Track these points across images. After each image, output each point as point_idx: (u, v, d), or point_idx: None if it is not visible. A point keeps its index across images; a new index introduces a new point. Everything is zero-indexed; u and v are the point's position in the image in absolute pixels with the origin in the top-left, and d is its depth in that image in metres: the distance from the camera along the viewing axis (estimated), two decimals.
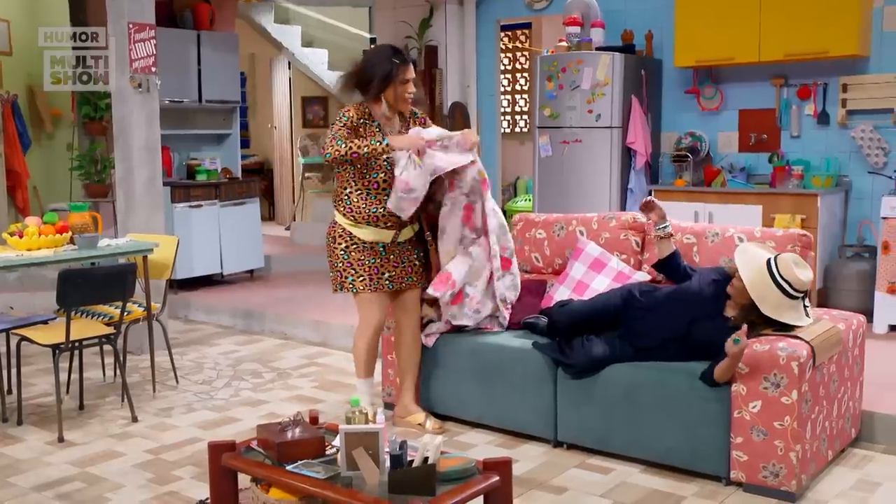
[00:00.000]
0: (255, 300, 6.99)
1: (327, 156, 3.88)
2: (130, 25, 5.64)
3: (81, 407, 4.70)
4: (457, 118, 7.70)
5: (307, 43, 10.88)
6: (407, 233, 4.14)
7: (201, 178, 7.62)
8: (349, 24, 10.91)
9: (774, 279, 3.44)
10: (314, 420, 3.17)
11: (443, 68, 7.75)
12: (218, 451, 3.04)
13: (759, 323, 3.53)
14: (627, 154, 6.45)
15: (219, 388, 5.05)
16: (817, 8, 5.77)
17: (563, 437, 3.96)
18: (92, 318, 4.76)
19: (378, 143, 3.87)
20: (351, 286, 4.02)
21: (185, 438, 4.23)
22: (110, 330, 4.53)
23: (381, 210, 3.98)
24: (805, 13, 5.81)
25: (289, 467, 2.85)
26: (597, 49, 6.57)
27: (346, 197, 4.00)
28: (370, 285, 4.02)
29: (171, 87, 6.98)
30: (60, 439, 4.20)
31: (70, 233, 4.78)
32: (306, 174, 11.16)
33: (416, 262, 4.22)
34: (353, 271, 4.01)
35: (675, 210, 5.89)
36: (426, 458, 2.69)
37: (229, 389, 5.03)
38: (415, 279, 4.20)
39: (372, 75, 3.97)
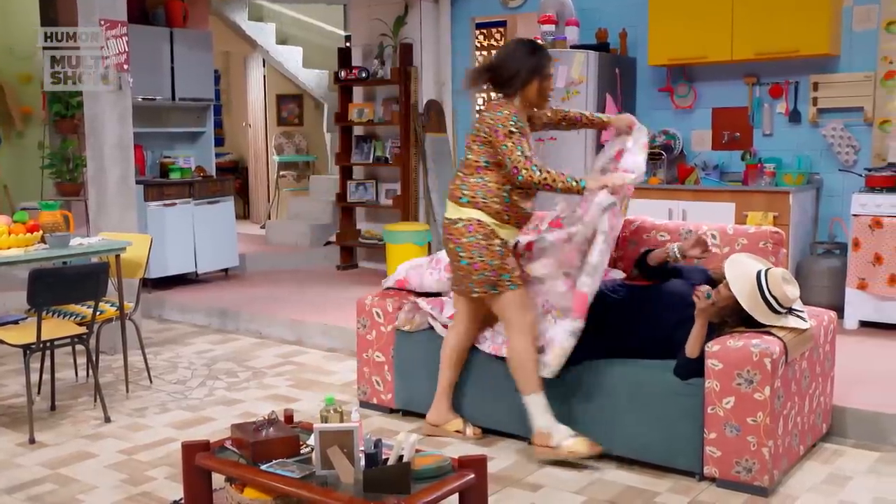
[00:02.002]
0: (229, 299, 6.95)
1: (520, 178, 3.62)
2: (102, 22, 5.58)
3: (53, 408, 4.65)
4: (432, 116, 7.70)
5: (281, 41, 10.83)
6: None
7: (175, 176, 7.56)
8: (324, 22, 10.87)
9: (763, 294, 3.48)
10: (289, 419, 3.17)
11: (418, 66, 7.74)
12: (192, 450, 3.03)
13: (735, 324, 3.56)
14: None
15: (193, 388, 5.02)
16: (788, 7, 5.82)
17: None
18: (64, 317, 4.71)
19: (574, 183, 3.65)
20: (509, 283, 3.72)
21: (158, 438, 4.20)
22: (82, 330, 4.48)
23: (529, 210, 3.84)
24: (776, 12, 5.86)
25: (263, 467, 2.84)
26: (571, 47, 6.59)
27: (504, 195, 3.71)
28: (521, 280, 3.78)
29: (144, 84, 6.91)
30: (31, 440, 4.15)
31: (41, 232, 4.73)
32: (281, 172, 11.11)
33: None
34: (509, 268, 3.74)
35: (649, 208, 5.93)
36: (401, 457, 2.70)
37: (204, 389, 5.00)
38: None
39: (516, 69, 3.74)
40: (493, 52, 3.94)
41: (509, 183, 3.71)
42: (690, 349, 3.51)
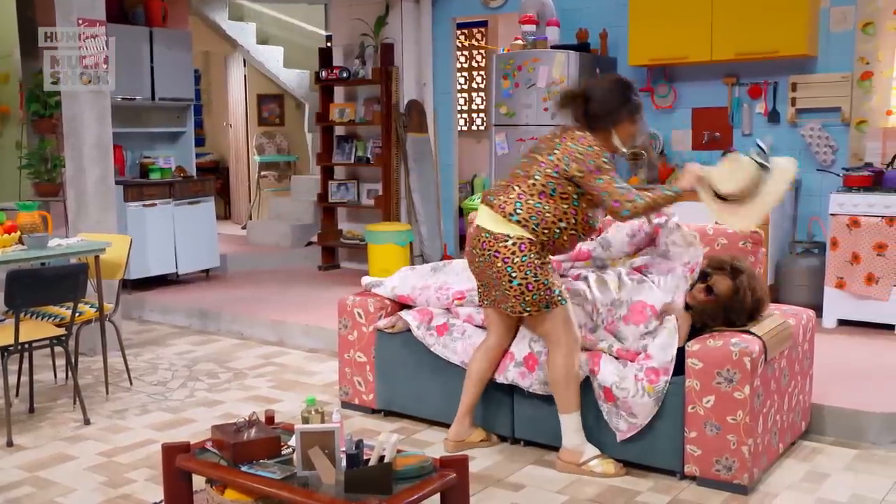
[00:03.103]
0: (210, 300, 6.92)
1: (625, 213, 3.51)
2: (80, 22, 5.54)
3: (31, 410, 4.61)
4: (413, 116, 7.70)
5: (262, 40, 10.80)
6: None
7: (155, 176, 7.52)
8: (304, 22, 10.85)
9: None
10: (270, 420, 3.16)
11: (399, 66, 7.74)
12: (172, 452, 3.02)
13: (718, 325, 3.59)
14: None
15: (174, 389, 4.99)
16: (767, 8, 5.87)
17: (520, 433, 3.98)
18: (42, 319, 4.68)
19: (671, 193, 3.62)
20: (560, 298, 3.60)
21: (138, 440, 4.17)
22: (61, 331, 4.45)
23: (570, 249, 3.78)
24: (755, 13, 5.91)
25: (244, 468, 2.83)
26: (552, 47, 6.61)
27: (557, 230, 3.57)
28: (565, 296, 3.68)
29: (123, 84, 6.87)
30: (9, 443, 4.11)
31: (19, 232, 4.69)
32: (262, 172, 11.07)
33: None
34: (556, 283, 3.63)
35: None
36: (382, 457, 2.69)
37: (185, 390, 4.97)
38: None
39: (614, 105, 3.63)
40: (587, 81, 3.81)
41: (564, 220, 3.58)
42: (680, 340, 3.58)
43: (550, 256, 3.70)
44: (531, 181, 3.59)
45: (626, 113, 3.65)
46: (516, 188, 3.62)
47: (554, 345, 3.66)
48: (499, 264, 3.57)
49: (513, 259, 3.54)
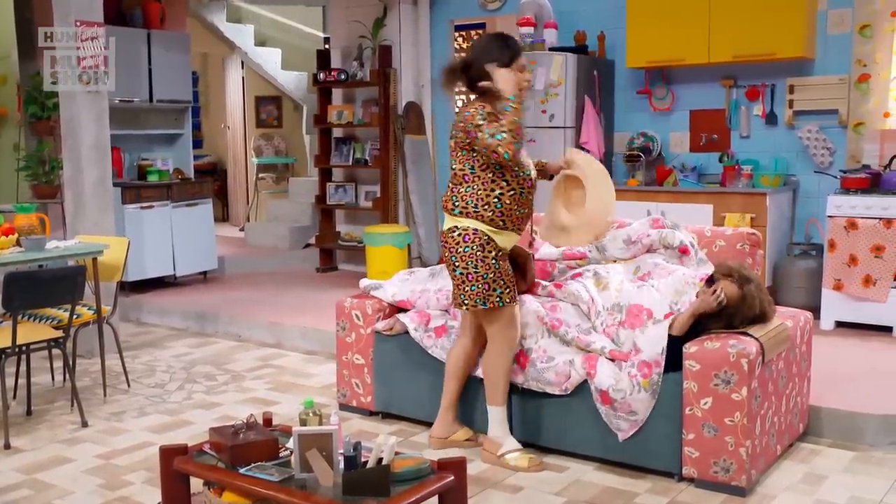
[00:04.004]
0: (208, 302, 6.91)
1: (506, 156, 3.47)
2: (78, 23, 5.54)
3: (29, 412, 4.60)
4: (411, 118, 7.70)
5: (260, 42, 10.80)
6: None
7: (153, 178, 7.52)
8: (302, 24, 10.86)
9: None
10: (268, 422, 3.15)
11: (397, 68, 7.74)
12: (170, 454, 3.01)
13: (717, 327, 3.59)
14: None
15: (171, 392, 4.99)
16: (764, 11, 5.88)
17: (518, 435, 3.97)
18: (40, 321, 4.66)
19: (510, 109, 3.53)
20: (499, 299, 3.62)
21: (136, 443, 4.17)
22: (59, 334, 4.44)
23: (527, 211, 3.71)
24: (752, 16, 5.91)
25: (242, 470, 2.82)
26: (550, 50, 6.62)
27: (495, 200, 3.58)
28: (514, 296, 3.70)
29: (121, 86, 6.86)
30: (7, 446, 4.11)
31: (16, 235, 4.68)
32: (260, 174, 11.07)
33: None
34: (503, 282, 3.62)
35: (628, 209, 5.96)
36: (380, 459, 2.69)
37: (182, 392, 4.97)
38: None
39: (486, 59, 3.61)
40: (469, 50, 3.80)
41: (498, 187, 3.59)
42: (675, 329, 3.61)
43: (540, 236, 3.84)
44: (452, 172, 3.71)
45: (500, 63, 3.60)
46: (450, 185, 3.74)
47: (491, 341, 3.76)
48: (446, 254, 3.71)
49: (457, 249, 3.64)
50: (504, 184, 3.61)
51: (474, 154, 3.61)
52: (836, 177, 5.87)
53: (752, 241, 4.01)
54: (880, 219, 5.42)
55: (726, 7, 6.01)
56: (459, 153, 3.66)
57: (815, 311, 5.28)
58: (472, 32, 9.97)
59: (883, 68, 5.83)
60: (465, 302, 3.67)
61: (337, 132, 8.28)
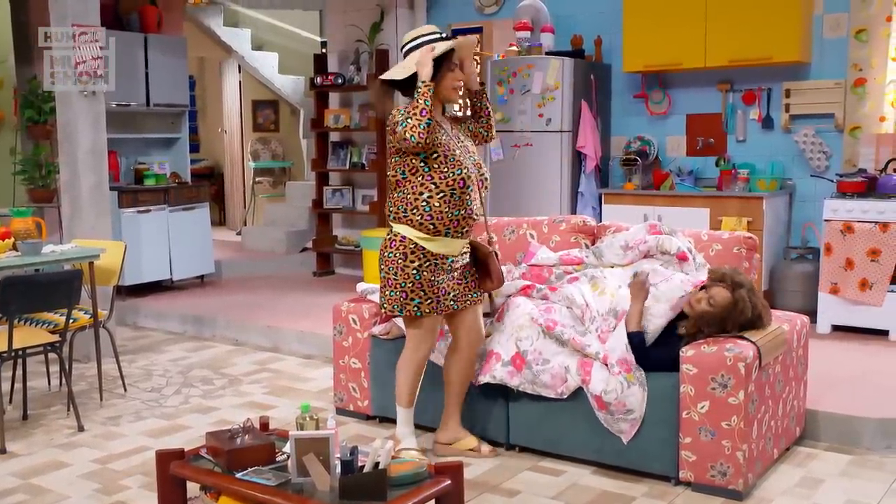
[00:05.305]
0: (205, 306, 6.91)
1: (413, 139, 3.40)
2: (74, 27, 5.54)
3: (25, 417, 4.60)
4: None
5: (257, 46, 10.80)
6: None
7: (150, 182, 7.52)
8: (299, 28, 10.86)
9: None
10: (265, 426, 3.15)
11: None
12: (166, 459, 3.01)
13: (711, 333, 3.59)
14: (578, 158, 6.51)
15: (168, 396, 4.98)
16: (761, 15, 5.89)
17: (515, 439, 3.98)
18: (36, 325, 4.66)
19: (420, 91, 3.46)
20: (416, 309, 3.61)
21: (133, 447, 4.16)
22: (55, 338, 4.44)
23: (464, 213, 3.61)
24: (749, 20, 5.93)
25: (238, 475, 2.82)
26: (547, 54, 6.63)
27: (423, 203, 3.54)
28: (436, 308, 3.66)
29: (118, 90, 6.85)
30: (3, 450, 4.10)
31: (13, 239, 4.68)
32: (257, 178, 11.08)
33: (474, 277, 3.86)
34: (423, 293, 3.60)
35: (624, 213, 5.98)
36: (377, 464, 2.69)
37: (179, 397, 4.96)
38: (477, 295, 3.85)
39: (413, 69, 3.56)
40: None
41: (427, 191, 3.55)
42: (630, 325, 3.66)
43: (497, 247, 3.81)
44: (388, 179, 3.69)
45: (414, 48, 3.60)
46: (388, 191, 3.73)
47: (406, 346, 3.83)
48: (379, 258, 3.72)
49: (384, 253, 3.67)
50: (432, 186, 3.56)
51: (406, 158, 3.59)
52: (832, 181, 5.88)
53: (749, 245, 4.01)
54: (876, 223, 5.42)
55: (723, 11, 6.02)
56: (393, 159, 3.65)
57: (812, 314, 5.29)
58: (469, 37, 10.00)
59: (879, 72, 5.84)
60: (385, 306, 3.71)
61: (334, 136, 8.28)
